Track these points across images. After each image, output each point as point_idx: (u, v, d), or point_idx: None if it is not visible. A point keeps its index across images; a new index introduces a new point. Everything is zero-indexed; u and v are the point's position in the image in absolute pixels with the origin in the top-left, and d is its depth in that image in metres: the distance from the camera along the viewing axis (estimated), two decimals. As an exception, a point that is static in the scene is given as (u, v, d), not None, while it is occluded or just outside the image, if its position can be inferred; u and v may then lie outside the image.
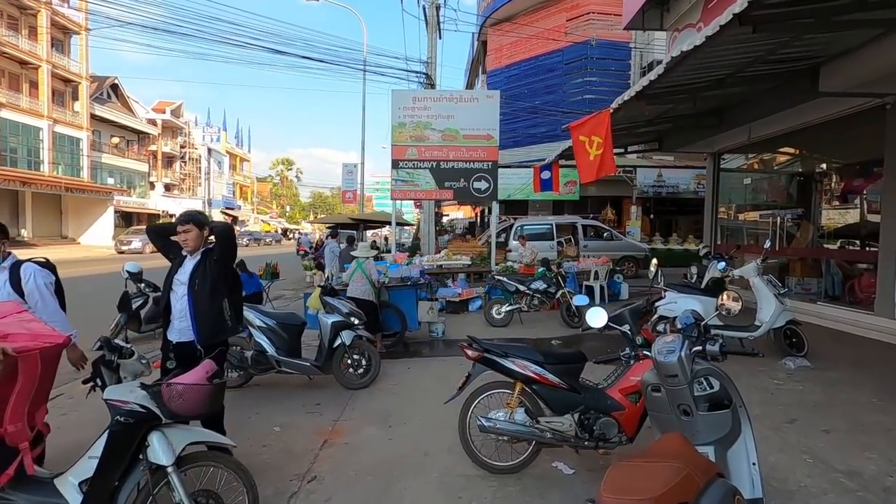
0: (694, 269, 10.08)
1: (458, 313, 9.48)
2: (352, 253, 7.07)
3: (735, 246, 9.71)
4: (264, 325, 4.95)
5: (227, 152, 62.72)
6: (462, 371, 3.45)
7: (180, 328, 3.20)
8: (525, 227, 15.18)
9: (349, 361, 5.06)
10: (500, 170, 13.17)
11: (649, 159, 19.23)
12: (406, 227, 32.25)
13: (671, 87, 6.21)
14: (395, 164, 11.10)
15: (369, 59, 18.70)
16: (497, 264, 11.38)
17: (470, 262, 10.36)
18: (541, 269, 9.32)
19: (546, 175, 11.71)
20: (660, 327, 6.15)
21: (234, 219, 59.28)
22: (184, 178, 53.87)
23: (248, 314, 4.97)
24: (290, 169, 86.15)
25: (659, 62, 8.25)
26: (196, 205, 51.77)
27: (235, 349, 5.10)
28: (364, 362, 5.12)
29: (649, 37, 19.08)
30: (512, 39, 21.93)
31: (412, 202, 28.68)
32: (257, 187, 77.39)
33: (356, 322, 5.13)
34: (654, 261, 9.57)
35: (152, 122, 48.06)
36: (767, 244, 5.71)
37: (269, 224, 66.82)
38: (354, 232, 19.82)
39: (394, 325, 6.76)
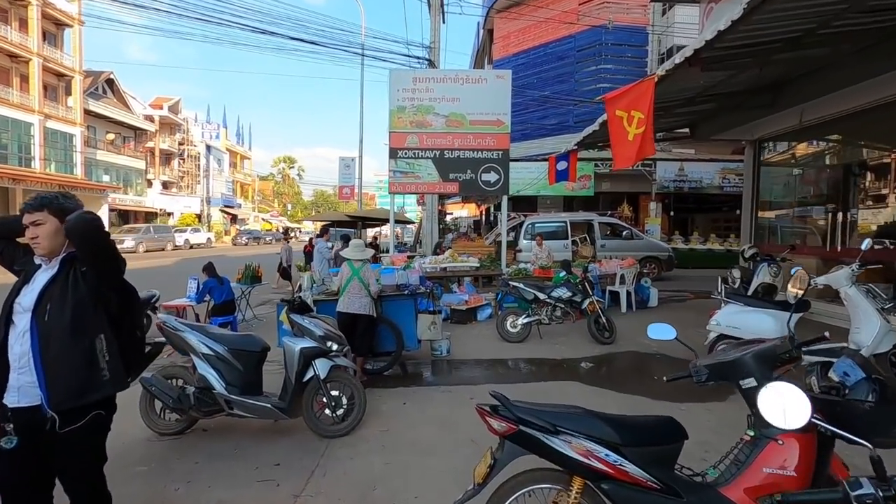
0: (736, 273, 8.77)
1: (464, 323, 8.23)
2: (342, 253, 5.80)
3: (789, 246, 8.39)
4: (211, 353, 3.71)
5: (227, 150, 61.66)
6: (476, 401, 2.16)
7: (21, 384, 1.95)
8: (537, 224, 13.90)
9: (324, 400, 3.81)
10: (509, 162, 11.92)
11: (668, 152, 17.89)
12: (409, 226, 31.08)
13: (738, 47, 4.92)
14: (394, 154, 9.85)
15: (368, 42, 17.45)
16: (507, 266, 10.13)
17: (478, 265, 9.11)
18: (561, 274, 8.06)
19: (562, 165, 10.45)
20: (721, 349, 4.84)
21: (234, 217, 58.24)
22: (182, 176, 52.84)
23: (191, 337, 3.73)
24: (292, 167, 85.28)
25: (680, 48, 6.96)
26: (195, 203, 50.82)
27: (174, 383, 3.86)
28: (344, 401, 3.87)
29: (668, 20, 17.72)
30: (520, 26, 20.61)
31: (415, 198, 27.42)
32: (259, 186, 76.43)
33: (334, 348, 3.88)
34: (736, 273, 8.33)
35: (149, 119, 47.04)
36: (866, 244, 4.40)
37: (269, 223, 65.81)
38: (352, 231, 18.59)
39: (387, 344, 5.52)
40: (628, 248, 13.74)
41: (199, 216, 48.95)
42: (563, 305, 6.80)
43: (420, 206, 29.29)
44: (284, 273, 12.19)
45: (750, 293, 7.99)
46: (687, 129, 10.21)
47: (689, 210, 19.83)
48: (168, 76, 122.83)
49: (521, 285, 7.05)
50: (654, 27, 17.57)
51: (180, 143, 51.97)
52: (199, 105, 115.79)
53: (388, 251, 11.43)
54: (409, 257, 9.58)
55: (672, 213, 17.28)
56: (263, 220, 65.65)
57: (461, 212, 41.06)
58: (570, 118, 19.01)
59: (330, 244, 10.01)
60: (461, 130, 9.81)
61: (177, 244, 34.17)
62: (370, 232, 19.63)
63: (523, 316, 6.79)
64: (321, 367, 3.77)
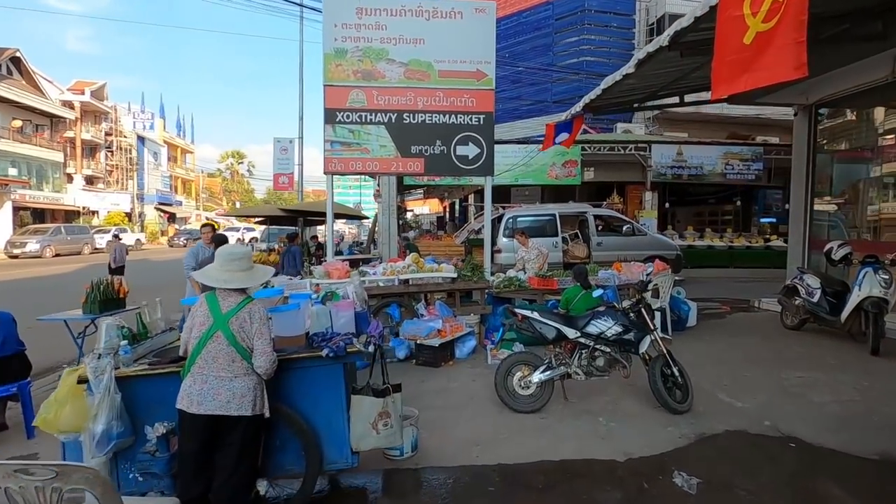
0: (812, 281, 6.33)
1: (436, 366, 5.39)
2: (196, 277, 2.77)
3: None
4: None
5: (165, 142, 56.10)
6: None
7: None
8: (519, 218, 11.23)
9: None
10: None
11: (660, 135, 15.68)
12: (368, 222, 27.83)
13: None
14: (331, 117, 6.90)
15: None
16: (492, 274, 7.39)
17: (455, 275, 6.27)
18: (570, 287, 5.42)
19: (562, 137, 7.79)
20: None
21: (172, 216, 53.09)
22: (111, 171, 47.37)
23: None
24: (241, 162, 79.96)
25: (674, 17, 4.69)
26: (125, 200, 45.53)
27: None
28: None
29: (659, -15, 15.47)
30: (489, -8, 17.94)
31: (373, 189, 24.27)
32: (205, 182, 70.84)
33: None
34: (811, 280, 5.88)
35: (68, 105, 41.58)
36: None
37: (216, 222, 60.61)
38: (297, 230, 15.35)
39: (290, 460, 2.61)
40: (630, 247, 11.30)
41: (128, 215, 43.80)
42: (607, 349, 4.05)
43: (377, 200, 26.11)
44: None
45: (850, 310, 5.56)
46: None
47: (690, 201, 17.78)
48: (108, 66, 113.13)
49: (533, 313, 4.27)
50: (643, -7, 15.30)
51: (108, 134, 46.49)
52: (133, 95, 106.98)
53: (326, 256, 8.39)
54: (353, 265, 6.65)
55: (668, 205, 15.12)
56: (207, 218, 60.38)
57: (423, 208, 38.03)
58: (549, 96, 16.51)
59: (209, 248, 6.29)
60: (427, 85, 6.97)
61: (97, 247, 29.67)
62: (319, 230, 16.39)
63: (541, 370, 4.00)
64: None
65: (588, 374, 4.08)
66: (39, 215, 36.77)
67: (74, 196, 41.13)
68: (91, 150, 45.41)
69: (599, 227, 12.78)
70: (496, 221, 12.21)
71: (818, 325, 6.28)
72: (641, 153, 14.14)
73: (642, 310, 4.09)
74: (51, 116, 39.46)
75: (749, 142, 14.86)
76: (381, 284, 6.14)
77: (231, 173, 78.79)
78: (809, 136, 7.74)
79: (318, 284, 5.99)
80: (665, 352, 4.03)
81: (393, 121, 6.94)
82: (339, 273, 6.02)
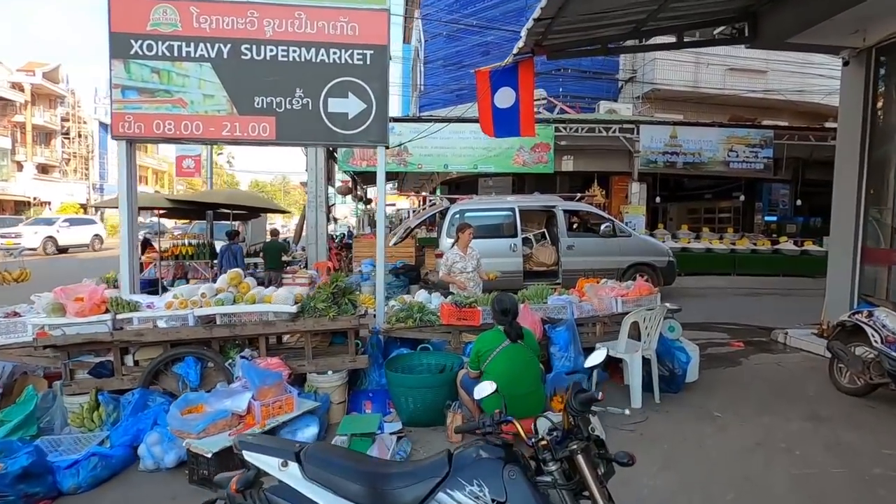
0: (893, 321, 3.85)
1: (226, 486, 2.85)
2: None
3: None
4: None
5: (132, 130, 52.87)
6: None
7: None
8: (468, 213, 8.70)
9: None
10: (434, 127, 6.87)
11: (651, 116, 13.17)
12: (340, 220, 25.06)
13: None
14: (121, 47, 4.30)
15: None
16: (397, 301, 4.92)
17: (296, 311, 3.69)
18: (552, 345, 2.96)
19: (505, 99, 5.28)
20: None
21: (140, 209, 49.93)
22: (68, 159, 44.27)
23: None
24: (220, 153, 76.90)
25: None
26: (80, 190, 42.47)
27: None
28: None
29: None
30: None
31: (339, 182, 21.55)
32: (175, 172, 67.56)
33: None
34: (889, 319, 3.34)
35: (17, 87, 38.46)
36: None
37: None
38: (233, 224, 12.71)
39: None
40: (609, 251, 8.82)
41: (83, 206, 40.70)
42: None
43: (356, 200, 23.40)
44: None
45: None
46: (739, 27, 5.25)
47: (685, 196, 15.32)
48: (85, 51, 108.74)
49: (295, 474, 1.70)
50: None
51: (64, 119, 43.39)
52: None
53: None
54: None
55: (658, 199, 12.68)
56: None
57: (404, 202, 35.21)
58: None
59: None
60: (281, 0, 4.38)
61: (30, 246, 26.65)
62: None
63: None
64: None
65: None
66: (-13, 206, 33.92)
67: (25, 186, 38.12)
68: (46, 136, 42.33)
69: (574, 226, 10.30)
70: (440, 216, 9.72)
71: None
72: (627, 136, 11.62)
73: (580, 461, 1.56)
74: (-5, 98, 36.49)
75: (757, 124, 12.42)
76: (161, 326, 3.56)
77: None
78: (866, 96, 5.24)
79: (42, 328, 3.43)
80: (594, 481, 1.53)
81: (225, 56, 4.37)
82: (86, 305, 3.45)
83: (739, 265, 12.06)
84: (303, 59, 4.46)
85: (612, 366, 4.60)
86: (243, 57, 4.41)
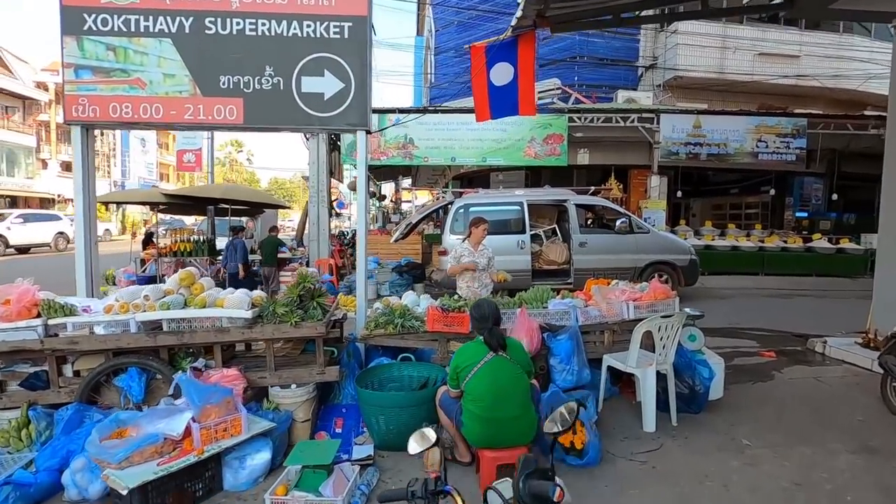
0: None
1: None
2: None
3: None
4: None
5: (153, 128, 53.74)
6: None
7: None
8: (473, 208, 8.16)
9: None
10: (444, 118, 6.36)
11: (673, 105, 12.40)
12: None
13: None
14: (74, 22, 3.89)
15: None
16: (379, 301, 4.44)
17: (250, 315, 3.24)
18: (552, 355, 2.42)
19: (503, 76, 4.75)
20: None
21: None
22: (91, 157, 45.01)
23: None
24: (241, 151, 77.93)
25: None
26: (102, 187, 43.19)
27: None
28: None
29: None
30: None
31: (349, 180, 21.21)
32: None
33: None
34: None
35: (42, 86, 39.29)
36: None
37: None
38: (243, 220, 12.41)
39: None
40: (625, 249, 8.18)
41: (105, 204, 41.19)
42: None
43: (368, 195, 22.92)
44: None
45: None
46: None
47: (709, 190, 14.48)
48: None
49: None
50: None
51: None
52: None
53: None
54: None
55: (680, 194, 11.90)
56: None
57: (424, 198, 34.59)
58: (538, 56, 13.27)
59: None
60: (247, -32, 3.93)
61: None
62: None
63: None
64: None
65: None
66: (11, 203, 34.85)
67: (49, 183, 39.01)
68: (69, 134, 43.19)
69: (589, 222, 9.69)
70: (443, 212, 9.21)
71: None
72: (647, 126, 10.90)
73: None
74: (23, 98, 37.41)
75: (789, 112, 11.54)
76: (99, 333, 3.14)
77: (229, 162, 76.75)
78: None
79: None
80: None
81: (187, 31, 3.94)
82: (13, 308, 3.04)
83: (768, 264, 11.27)
84: (273, 34, 3.99)
85: (625, 379, 4.04)
86: (207, 31, 3.96)
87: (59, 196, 38.91)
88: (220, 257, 9.87)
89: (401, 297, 4.48)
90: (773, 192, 12.52)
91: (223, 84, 3.99)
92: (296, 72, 4.01)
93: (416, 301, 4.37)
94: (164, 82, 3.98)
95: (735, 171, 12.57)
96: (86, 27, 3.89)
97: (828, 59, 13.60)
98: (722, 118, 11.02)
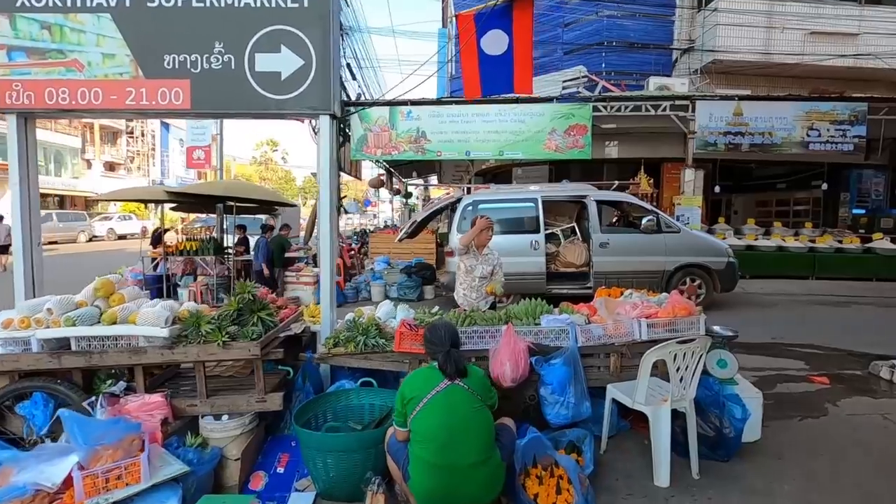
0: None
1: None
2: None
3: None
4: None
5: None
6: None
7: None
8: (482, 206, 7.49)
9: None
10: (458, 109, 6.03)
11: (711, 90, 11.30)
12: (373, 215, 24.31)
13: None
14: (4, -2, 3.47)
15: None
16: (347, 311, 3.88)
17: (167, 334, 2.71)
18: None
19: (496, 44, 4.06)
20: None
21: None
22: (132, 157, 46.85)
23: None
24: (276, 150, 79.64)
25: None
26: (142, 185, 44.71)
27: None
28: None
29: None
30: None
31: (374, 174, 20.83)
32: (238, 171, 70.77)
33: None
34: None
35: (86, 89, 40.84)
36: None
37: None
38: (265, 217, 12.17)
39: None
40: (651, 250, 7.33)
41: (144, 202, 42.72)
42: None
43: (392, 193, 22.62)
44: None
45: None
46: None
47: (752, 186, 13.28)
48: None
49: None
50: None
51: (128, 119, 45.89)
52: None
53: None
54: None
55: (717, 188, 10.82)
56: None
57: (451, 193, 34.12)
58: (559, 44, 12.44)
59: None
60: (194, -71, 3.42)
61: (95, 234, 28.54)
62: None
63: None
64: None
65: None
66: (59, 203, 36.56)
67: (93, 183, 40.66)
68: (113, 135, 44.95)
69: (615, 220, 8.86)
70: (450, 209, 8.59)
71: None
72: (681, 114, 9.92)
73: None
74: (67, 101, 38.87)
75: (847, 96, 10.29)
76: (35, 353, 2.68)
77: (265, 161, 78.53)
78: None
79: None
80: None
81: (127, 3, 3.47)
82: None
83: (820, 267, 10.11)
84: (223, 4, 3.46)
85: (637, 412, 3.32)
86: (149, 4, 3.47)
87: (95, 194, 40.52)
88: (230, 254, 9.60)
89: (414, 300, 3.91)
90: (825, 186, 11.27)
91: (168, 64, 3.49)
92: (248, 48, 3.48)
93: (392, 313, 3.79)
94: (104, 63, 3.52)
95: (782, 163, 11.37)
96: (19, 3, 3.47)
97: (891, 37, 12.16)
98: (767, 104, 9.89)
